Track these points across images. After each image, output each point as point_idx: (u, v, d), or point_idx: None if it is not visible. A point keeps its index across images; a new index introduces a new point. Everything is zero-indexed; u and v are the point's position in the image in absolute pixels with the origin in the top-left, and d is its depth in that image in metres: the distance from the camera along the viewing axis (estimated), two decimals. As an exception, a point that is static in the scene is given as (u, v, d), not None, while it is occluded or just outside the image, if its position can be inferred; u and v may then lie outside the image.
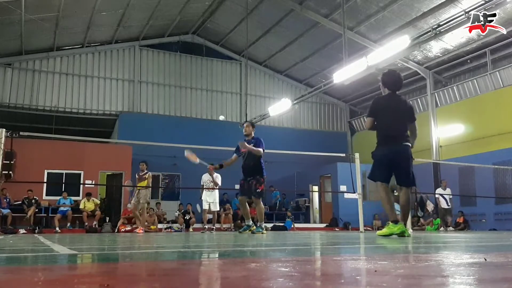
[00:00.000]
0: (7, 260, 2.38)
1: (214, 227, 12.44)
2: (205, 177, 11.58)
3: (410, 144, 5.17)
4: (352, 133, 22.53)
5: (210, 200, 11.65)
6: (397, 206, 5.55)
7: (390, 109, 5.21)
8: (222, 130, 18.12)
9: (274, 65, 21.39)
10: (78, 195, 14.47)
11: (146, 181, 10.86)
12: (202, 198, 11.79)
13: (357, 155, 9.69)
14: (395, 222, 4.98)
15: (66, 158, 14.56)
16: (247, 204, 7.64)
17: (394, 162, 5.14)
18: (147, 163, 11.16)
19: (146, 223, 14.02)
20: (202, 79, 20.59)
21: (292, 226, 15.66)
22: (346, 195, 14.92)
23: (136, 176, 11.16)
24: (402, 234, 4.92)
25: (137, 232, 10.81)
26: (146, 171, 11.01)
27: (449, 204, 14.01)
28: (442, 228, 13.85)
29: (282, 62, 20.96)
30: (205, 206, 11.69)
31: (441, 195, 13.95)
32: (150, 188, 11.45)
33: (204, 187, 11.57)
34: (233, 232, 12.14)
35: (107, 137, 19.15)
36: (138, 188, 10.79)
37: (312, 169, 18.62)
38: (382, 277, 1.45)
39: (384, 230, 5.14)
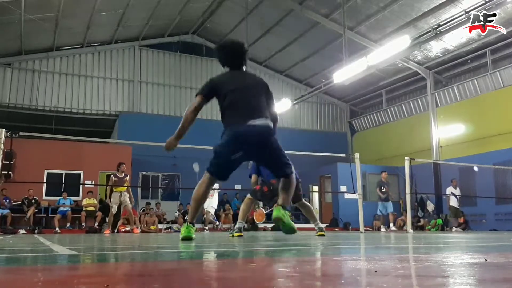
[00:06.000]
0: (7, 260, 2.38)
1: (207, 228, 13.19)
2: None
3: (269, 123, 3.83)
4: (352, 133, 22.49)
5: (205, 205, 12.05)
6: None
7: (235, 84, 3.98)
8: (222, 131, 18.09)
9: (274, 65, 21.37)
10: (78, 195, 14.46)
11: (127, 183, 10.80)
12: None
13: (357, 155, 9.72)
14: (191, 223, 4.11)
15: (66, 158, 14.55)
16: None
17: (250, 147, 3.75)
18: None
19: (146, 224, 14.04)
20: (202, 79, 20.52)
21: (292, 226, 15.64)
22: (346, 195, 14.93)
23: (115, 178, 10.80)
24: (188, 238, 3.99)
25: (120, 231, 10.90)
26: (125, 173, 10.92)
27: (459, 203, 13.81)
28: (455, 228, 13.45)
29: (282, 62, 20.94)
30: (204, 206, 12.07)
31: (453, 194, 13.69)
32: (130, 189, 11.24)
33: None
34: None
35: (107, 137, 19.13)
36: (120, 191, 10.64)
37: (312, 169, 18.58)
38: (382, 277, 1.44)
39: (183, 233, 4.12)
